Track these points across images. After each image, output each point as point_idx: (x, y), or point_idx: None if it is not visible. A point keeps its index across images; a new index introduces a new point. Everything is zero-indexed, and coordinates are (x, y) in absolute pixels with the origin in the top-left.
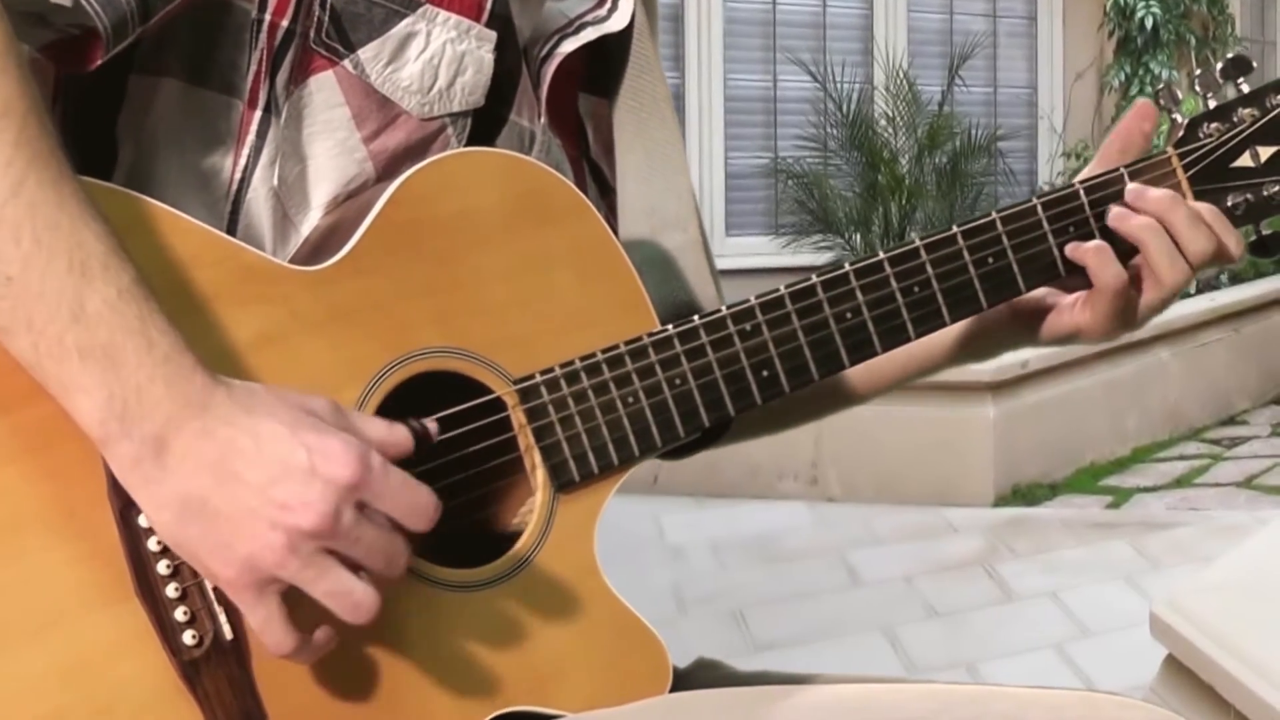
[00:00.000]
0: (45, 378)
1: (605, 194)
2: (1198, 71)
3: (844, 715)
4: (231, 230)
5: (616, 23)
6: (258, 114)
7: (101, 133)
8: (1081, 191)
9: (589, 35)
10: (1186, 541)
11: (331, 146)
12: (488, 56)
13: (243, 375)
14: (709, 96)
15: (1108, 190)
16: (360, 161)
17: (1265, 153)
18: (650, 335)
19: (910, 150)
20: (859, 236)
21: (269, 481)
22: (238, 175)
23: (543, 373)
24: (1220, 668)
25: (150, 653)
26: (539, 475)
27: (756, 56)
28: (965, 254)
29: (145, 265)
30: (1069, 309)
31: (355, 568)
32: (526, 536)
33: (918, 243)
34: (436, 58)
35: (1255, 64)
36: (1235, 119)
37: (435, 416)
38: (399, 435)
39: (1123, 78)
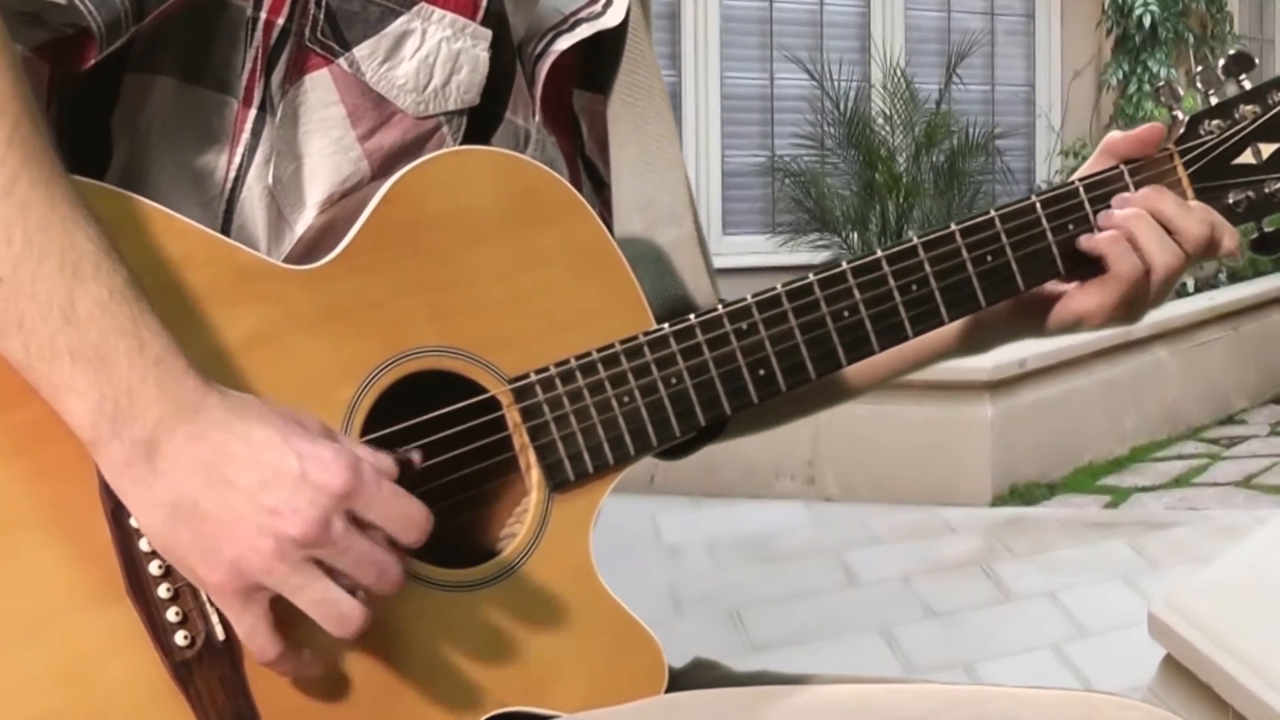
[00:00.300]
0: (37, 379)
1: (600, 190)
2: (1198, 69)
3: (841, 716)
4: (226, 229)
5: (611, 18)
6: (252, 112)
7: (96, 131)
8: (1081, 189)
9: (584, 32)
10: (1185, 541)
11: (326, 145)
12: (483, 54)
13: (237, 374)
14: (705, 94)
15: (1107, 188)
16: (355, 160)
17: (1267, 150)
18: (646, 334)
19: (908, 149)
20: (856, 235)
21: (259, 487)
22: (232, 174)
23: (538, 372)
24: (1219, 668)
25: (142, 653)
26: (534, 475)
27: (753, 54)
28: (964, 252)
29: (138, 265)
30: (1073, 296)
31: (343, 580)
32: (521, 537)
33: (916, 241)
34: (432, 56)
35: (1256, 61)
36: (1236, 116)
37: (428, 416)
38: (384, 463)
39: (1121, 76)
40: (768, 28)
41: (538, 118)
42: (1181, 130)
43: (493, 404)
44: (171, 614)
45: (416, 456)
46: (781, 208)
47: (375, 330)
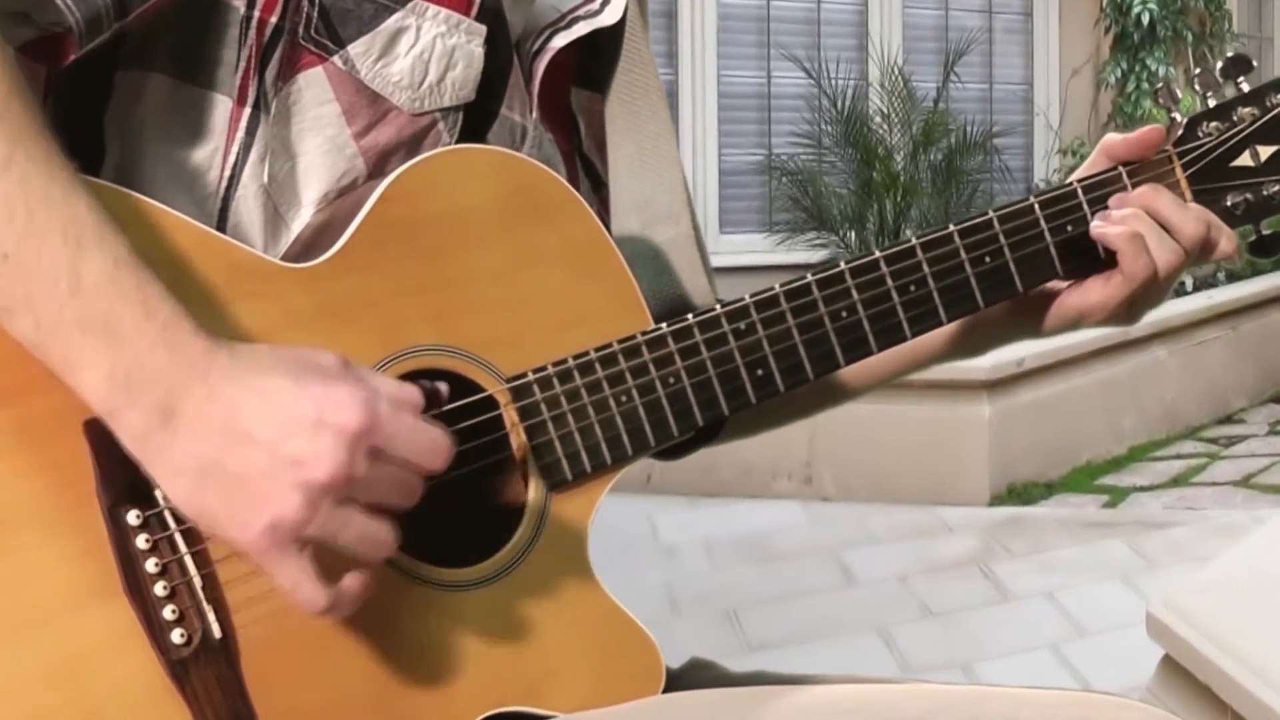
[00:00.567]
0: (48, 356)
1: (598, 189)
2: (1196, 71)
3: (838, 716)
4: (221, 228)
5: (609, 16)
6: (246, 110)
7: (89, 130)
8: (1079, 190)
9: (581, 29)
10: (1183, 541)
11: (322, 143)
12: (478, 51)
13: None
14: (702, 93)
15: (1105, 190)
16: (351, 158)
17: (1265, 152)
18: (644, 334)
19: (905, 147)
20: (854, 234)
21: (279, 437)
22: (226, 172)
23: (535, 371)
24: (1217, 668)
25: (139, 651)
26: (531, 474)
27: (750, 52)
28: (962, 253)
29: None
30: (1074, 292)
31: (375, 509)
32: (519, 536)
33: (914, 241)
34: (427, 52)
35: (1255, 63)
36: (1235, 118)
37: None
38: (410, 391)
39: (1119, 74)
40: (765, 26)
41: (535, 115)
42: (1180, 132)
43: (490, 403)
44: (168, 612)
45: (444, 388)
46: (779, 206)
47: (372, 329)
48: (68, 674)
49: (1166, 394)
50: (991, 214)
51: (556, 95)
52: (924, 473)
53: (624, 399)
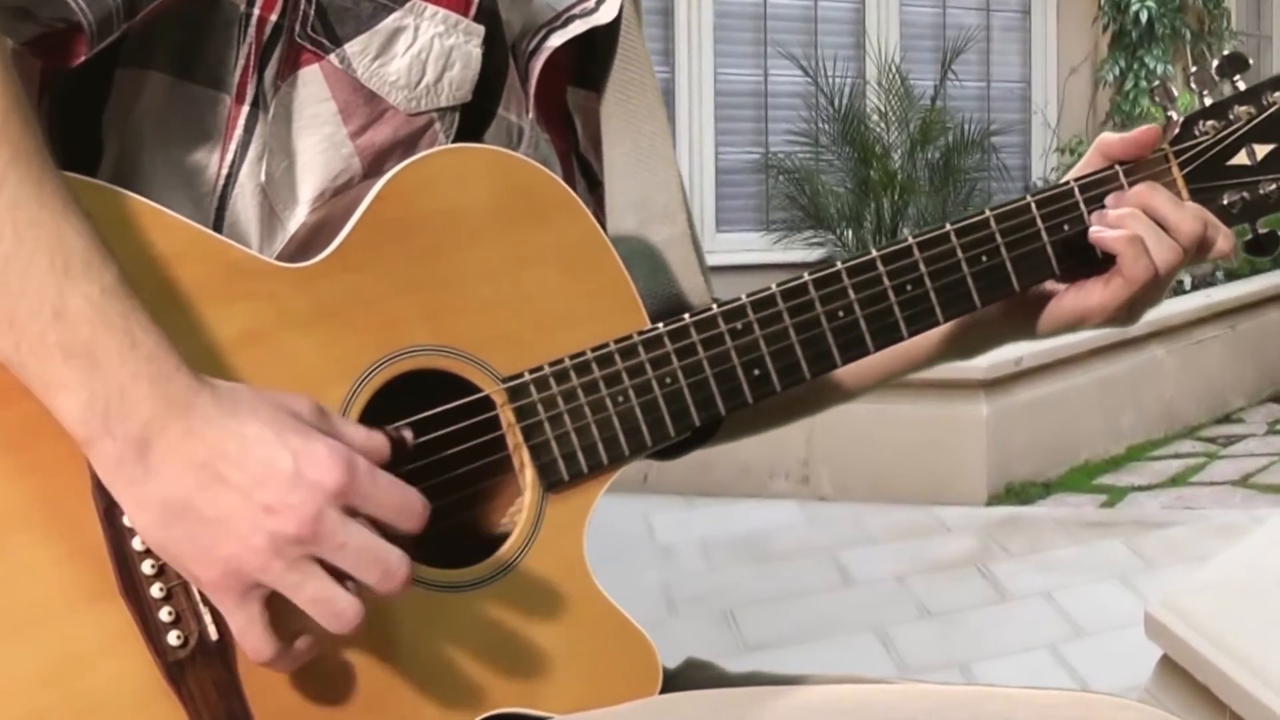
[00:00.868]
0: (28, 377)
1: (594, 188)
2: (1193, 69)
3: (836, 717)
4: (218, 227)
5: (605, 15)
6: (245, 109)
7: (87, 128)
8: (1076, 190)
9: (577, 28)
10: (1182, 541)
11: (318, 142)
12: (476, 51)
13: (228, 373)
14: (699, 91)
15: (1102, 189)
16: (347, 157)
17: (1261, 150)
18: (640, 334)
19: (902, 145)
20: (850, 232)
21: (254, 484)
22: (224, 171)
23: (531, 371)
24: (1216, 668)
25: (135, 653)
26: (527, 475)
27: (747, 50)
28: (959, 252)
29: (129, 262)
30: (1073, 295)
31: (342, 578)
32: (515, 537)
33: (911, 241)
34: (424, 52)
35: (1251, 61)
36: (1231, 116)
37: (422, 415)
38: (377, 442)
39: (1117, 72)
40: (762, 24)
41: (531, 114)
42: (1176, 131)
43: (486, 403)
44: (164, 614)
45: (408, 435)
46: (775, 205)
47: (368, 329)
48: (63, 675)
49: (1165, 393)
50: (988, 213)
51: (553, 95)
52: (922, 472)
53: (620, 399)
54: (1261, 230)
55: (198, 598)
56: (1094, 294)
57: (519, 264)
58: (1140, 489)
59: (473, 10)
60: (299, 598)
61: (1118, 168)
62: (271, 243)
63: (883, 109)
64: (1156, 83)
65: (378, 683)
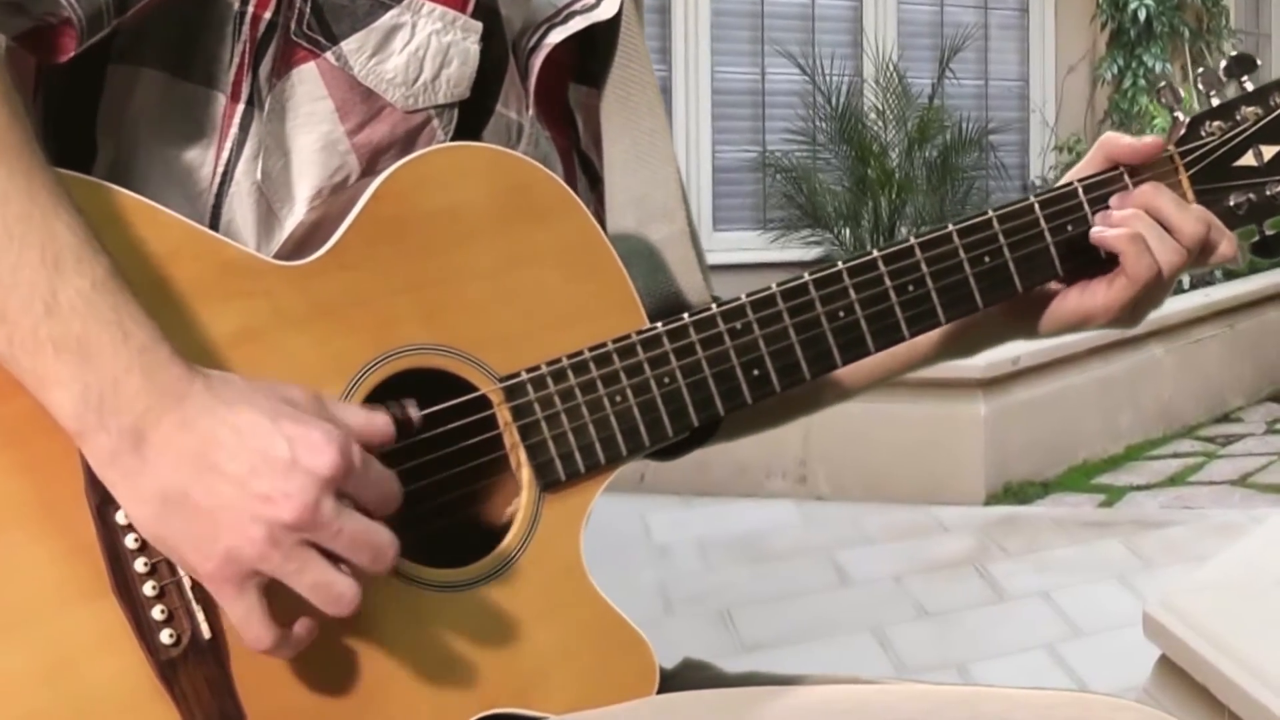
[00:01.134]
0: (21, 371)
1: (595, 186)
2: (1199, 70)
3: (833, 717)
4: (214, 225)
5: (604, 11)
6: (240, 107)
7: (82, 125)
8: (1080, 190)
9: (577, 24)
10: (1180, 540)
11: (315, 140)
12: (474, 48)
13: (223, 371)
14: (696, 89)
15: (1106, 189)
16: (344, 154)
17: (1269, 152)
18: (639, 333)
19: (900, 144)
20: (848, 231)
21: (249, 474)
22: (220, 169)
23: (529, 371)
24: (1214, 668)
25: (127, 652)
26: (524, 474)
27: (744, 49)
28: (961, 253)
29: (124, 259)
30: (1074, 296)
31: (337, 560)
32: (511, 536)
33: (912, 241)
34: (422, 49)
35: (1260, 61)
36: (1238, 117)
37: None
38: (379, 423)
39: (1116, 70)
40: (759, 22)
41: (531, 112)
42: (1182, 132)
43: (483, 402)
44: (157, 612)
45: (416, 414)
46: (773, 203)
47: (365, 327)
48: (55, 673)
49: (1163, 393)
50: (991, 213)
51: (554, 92)
52: (919, 472)
53: (618, 399)
54: (1269, 232)
55: (190, 596)
56: (1098, 294)
57: (516, 263)
58: (1139, 489)
59: (470, 7)
60: (299, 584)
61: (1121, 168)
62: (269, 241)
63: (880, 107)
64: (1163, 84)
65: (371, 682)
